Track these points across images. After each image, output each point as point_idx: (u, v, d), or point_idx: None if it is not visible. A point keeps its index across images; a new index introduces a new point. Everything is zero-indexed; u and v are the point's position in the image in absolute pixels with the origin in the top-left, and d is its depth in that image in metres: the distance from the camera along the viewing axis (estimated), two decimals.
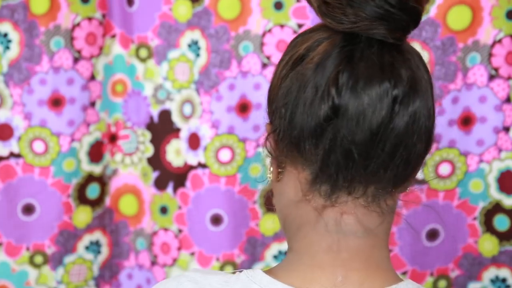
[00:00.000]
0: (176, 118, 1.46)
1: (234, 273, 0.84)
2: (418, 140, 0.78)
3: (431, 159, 1.36)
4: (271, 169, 0.85)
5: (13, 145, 1.44)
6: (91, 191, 1.50)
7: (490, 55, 1.32)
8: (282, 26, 1.38)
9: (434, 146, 1.35)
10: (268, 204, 1.44)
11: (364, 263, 0.81)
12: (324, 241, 0.81)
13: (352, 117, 0.76)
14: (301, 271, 0.81)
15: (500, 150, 1.35)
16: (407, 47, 0.80)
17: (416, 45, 1.31)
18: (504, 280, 1.38)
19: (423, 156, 0.81)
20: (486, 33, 1.31)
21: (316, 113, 0.78)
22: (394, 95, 0.76)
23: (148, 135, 1.49)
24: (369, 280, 0.81)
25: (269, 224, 1.45)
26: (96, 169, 1.49)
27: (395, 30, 0.77)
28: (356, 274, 0.80)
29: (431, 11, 1.31)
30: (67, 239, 1.49)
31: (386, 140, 0.77)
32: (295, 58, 0.82)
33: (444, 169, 1.37)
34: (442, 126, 1.35)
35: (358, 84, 0.76)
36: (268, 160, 0.87)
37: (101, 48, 1.46)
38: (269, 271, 0.83)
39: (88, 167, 1.48)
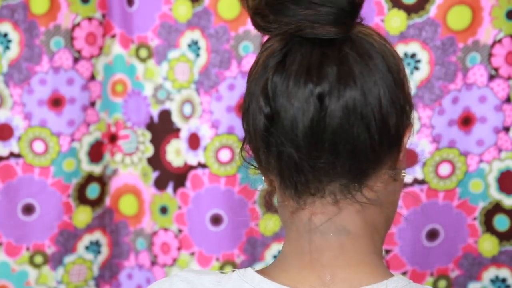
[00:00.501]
0: (176, 118, 1.46)
1: (227, 273, 0.85)
2: (362, 130, 0.78)
3: (431, 159, 1.36)
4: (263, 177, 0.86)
5: (13, 145, 1.44)
6: (91, 191, 1.50)
7: (490, 55, 1.32)
8: None
9: (434, 146, 1.35)
10: (268, 205, 1.44)
11: (349, 261, 0.81)
12: (305, 243, 0.82)
13: (286, 123, 0.78)
14: (291, 272, 0.82)
15: (500, 150, 1.35)
16: (353, 37, 0.79)
17: (416, 45, 1.32)
18: (504, 280, 1.38)
19: (384, 142, 0.79)
20: (486, 33, 1.31)
21: (258, 125, 0.80)
22: (318, 92, 0.77)
23: (148, 135, 1.49)
24: (358, 277, 0.81)
25: (269, 224, 1.45)
26: (96, 169, 1.50)
27: (324, 25, 0.77)
28: (343, 271, 0.81)
29: (431, 11, 1.31)
30: (67, 239, 1.49)
31: (323, 138, 0.78)
32: (249, 72, 0.84)
33: (444, 169, 1.37)
34: (442, 126, 1.35)
35: (287, 90, 0.77)
36: None
37: (101, 48, 1.46)
38: (260, 271, 0.84)
39: (88, 167, 1.48)
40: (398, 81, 0.80)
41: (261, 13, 0.78)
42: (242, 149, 0.86)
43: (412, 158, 1.36)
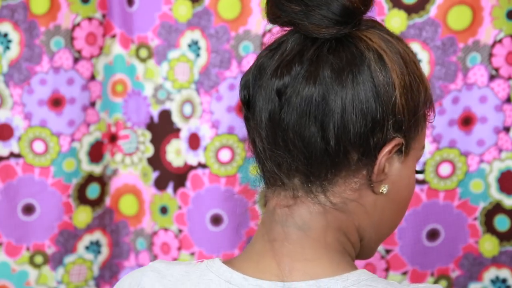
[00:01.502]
0: (176, 118, 1.46)
1: (197, 263, 0.88)
2: (314, 132, 0.79)
3: (431, 159, 1.36)
4: None
5: (13, 145, 1.44)
6: (91, 191, 1.50)
7: (491, 55, 1.32)
8: None
9: (434, 146, 1.35)
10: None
11: (306, 255, 0.82)
12: (268, 231, 0.84)
13: (256, 111, 0.81)
14: (253, 259, 0.84)
15: (500, 150, 1.35)
16: (345, 39, 0.80)
17: (416, 45, 1.31)
18: (504, 280, 1.38)
19: (343, 149, 0.80)
20: (486, 33, 1.31)
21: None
22: (277, 87, 0.79)
23: (148, 135, 1.49)
24: (316, 271, 0.82)
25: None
26: (96, 169, 1.50)
27: (314, 25, 0.79)
28: (301, 264, 0.82)
29: (432, 11, 1.31)
30: (67, 239, 1.49)
31: (278, 134, 0.80)
32: None
33: (445, 169, 1.37)
34: (442, 126, 1.35)
35: (262, 79, 0.81)
36: None
37: (101, 48, 1.46)
38: (227, 261, 0.86)
39: (88, 167, 1.48)
40: (382, 94, 0.79)
41: (269, 8, 0.81)
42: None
43: None
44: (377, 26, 0.84)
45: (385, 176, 0.83)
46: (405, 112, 0.81)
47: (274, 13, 0.81)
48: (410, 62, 0.83)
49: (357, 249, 0.87)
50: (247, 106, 0.83)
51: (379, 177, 0.82)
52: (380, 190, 0.83)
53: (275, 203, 0.84)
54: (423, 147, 0.87)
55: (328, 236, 0.83)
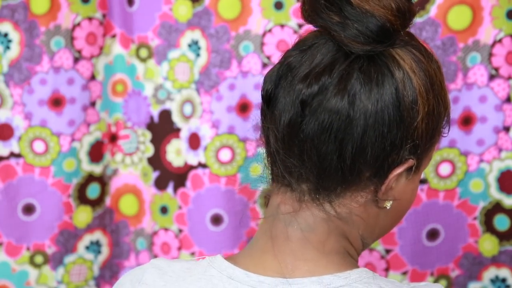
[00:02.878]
0: (176, 118, 1.46)
1: (198, 260, 0.88)
2: (332, 150, 0.79)
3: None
4: None
5: (13, 145, 1.44)
6: (92, 191, 1.50)
7: (491, 55, 1.32)
8: (282, 26, 1.38)
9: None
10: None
11: (308, 255, 0.83)
12: (271, 228, 0.85)
13: (277, 111, 0.81)
14: (255, 257, 0.85)
15: (500, 150, 1.35)
16: (378, 57, 0.79)
17: None
18: (504, 280, 1.38)
19: (357, 169, 0.80)
20: (486, 33, 1.31)
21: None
22: (302, 98, 0.78)
23: (148, 135, 1.49)
24: (318, 269, 0.82)
25: None
26: (97, 169, 1.50)
27: (349, 38, 0.78)
28: (303, 263, 0.83)
29: (432, 11, 1.31)
30: (68, 239, 1.49)
31: (294, 142, 0.79)
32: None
33: (445, 169, 1.37)
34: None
35: (288, 81, 0.80)
36: None
37: (101, 48, 1.46)
38: (229, 257, 0.87)
39: (88, 167, 1.48)
40: (405, 119, 0.79)
41: (307, 7, 0.81)
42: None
43: None
44: (412, 42, 0.83)
45: (391, 193, 0.83)
46: (423, 136, 0.81)
47: (310, 16, 0.80)
48: (437, 83, 0.82)
49: (360, 252, 0.88)
50: (267, 102, 0.83)
51: (386, 195, 0.83)
52: (384, 205, 0.84)
53: (280, 200, 0.84)
54: (431, 159, 0.88)
55: (330, 240, 0.83)
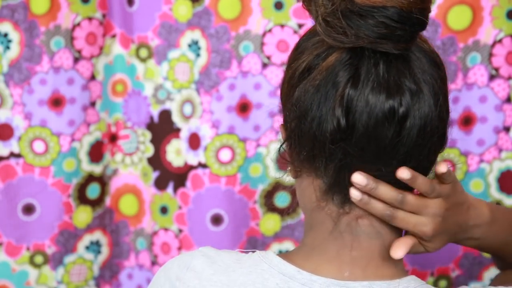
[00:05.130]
0: (176, 118, 1.46)
1: (247, 252, 0.88)
2: (429, 147, 0.83)
3: None
4: (289, 168, 0.87)
5: (13, 145, 1.44)
6: (91, 191, 1.50)
7: (491, 55, 1.32)
8: (282, 26, 1.38)
9: None
10: (269, 204, 1.44)
11: (372, 261, 0.84)
12: (337, 241, 0.84)
13: (360, 138, 0.78)
14: (312, 260, 0.85)
15: (500, 150, 1.35)
16: (416, 49, 0.82)
17: None
18: None
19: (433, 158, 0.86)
20: (486, 33, 1.31)
21: (324, 134, 0.79)
22: (401, 113, 0.78)
23: (148, 135, 1.49)
24: (374, 276, 0.83)
25: (269, 224, 1.45)
26: (96, 169, 1.49)
27: (399, 43, 0.78)
28: (361, 270, 0.83)
29: (431, 11, 1.31)
30: (67, 239, 1.49)
31: (398, 153, 0.80)
32: (301, 70, 0.82)
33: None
34: None
35: (366, 105, 0.78)
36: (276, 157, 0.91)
37: (101, 48, 1.46)
38: (281, 254, 0.87)
39: (88, 167, 1.48)
40: (445, 97, 0.85)
41: (339, 24, 0.77)
42: (282, 144, 0.86)
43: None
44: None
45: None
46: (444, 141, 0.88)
47: (346, 32, 0.78)
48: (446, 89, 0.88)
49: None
50: (343, 135, 0.80)
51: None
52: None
53: (356, 216, 0.84)
54: None
55: (392, 239, 0.85)
